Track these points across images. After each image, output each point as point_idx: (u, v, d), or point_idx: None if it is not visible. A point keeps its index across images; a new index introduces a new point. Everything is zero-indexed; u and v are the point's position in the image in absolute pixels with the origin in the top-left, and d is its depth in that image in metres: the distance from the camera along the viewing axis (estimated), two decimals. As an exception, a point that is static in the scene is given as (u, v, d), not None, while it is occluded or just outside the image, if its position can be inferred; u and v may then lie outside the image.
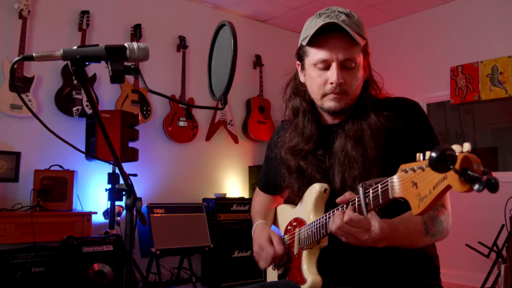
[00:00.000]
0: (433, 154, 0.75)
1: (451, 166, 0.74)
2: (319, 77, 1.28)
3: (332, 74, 1.24)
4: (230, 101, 4.90)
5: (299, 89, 1.41)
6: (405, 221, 1.11)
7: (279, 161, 1.43)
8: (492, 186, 0.70)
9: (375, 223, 1.06)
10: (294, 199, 1.43)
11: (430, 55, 4.80)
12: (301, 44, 1.32)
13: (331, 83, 1.25)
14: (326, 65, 1.26)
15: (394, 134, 1.25)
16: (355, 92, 1.29)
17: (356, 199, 1.08)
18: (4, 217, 3.12)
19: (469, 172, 0.72)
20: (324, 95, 1.29)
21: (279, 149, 1.44)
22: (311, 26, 1.27)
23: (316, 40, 1.26)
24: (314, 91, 1.32)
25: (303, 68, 1.36)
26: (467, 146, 0.75)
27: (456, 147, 0.76)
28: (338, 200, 1.13)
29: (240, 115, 5.00)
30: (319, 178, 1.32)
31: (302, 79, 1.38)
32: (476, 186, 0.72)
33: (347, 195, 1.12)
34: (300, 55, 1.35)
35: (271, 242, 1.39)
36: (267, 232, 1.43)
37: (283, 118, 1.50)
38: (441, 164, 0.75)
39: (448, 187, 0.79)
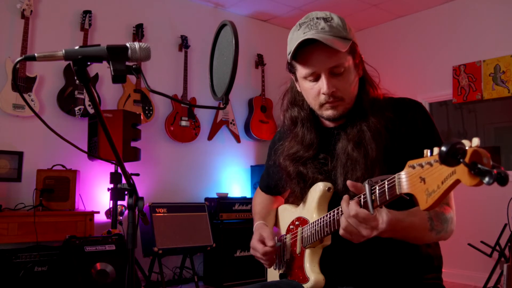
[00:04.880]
0: (443, 148, 0.75)
1: (461, 160, 0.74)
2: (312, 89, 1.28)
3: (322, 84, 1.24)
4: (232, 100, 4.90)
5: (297, 99, 1.41)
6: (411, 214, 1.11)
7: (279, 167, 1.44)
8: (502, 180, 0.71)
9: (384, 217, 1.05)
10: (297, 203, 1.43)
11: (432, 54, 4.79)
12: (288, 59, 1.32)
13: (324, 94, 1.25)
14: (316, 77, 1.26)
15: (397, 135, 1.25)
16: (351, 95, 1.28)
17: (362, 196, 1.07)
18: (7, 216, 3.13)
19: (479, 166, 0.73)
20: (321, 105, 1.29)
21: (278, 156, 1.44)
22: (292, 41, 1.26)
23: (300, 54, 1.25)
24: (311, 102, 1.33)
25: (297, 80, 1.36)
26: (476, 141, 0.75)
27: (465, 142, 0.76)
28: (349, 182, 1.11)
29: (242, 115, 5.00)
30: (321, 179, 1.32)
31: (298, 88, 1.38)
32: (486, 179, 0.72)
33: (359, 185, 1.10)
34: (290, 69, 1.35)
35: (262, 241, 1.42)
36: (259, 233, 1.45)
37: (281, 128, 1.50)
38: (451, 157, 0.75)
39: (457, 182, 0.79)
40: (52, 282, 3.07)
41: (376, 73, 1.35)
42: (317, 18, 1.24)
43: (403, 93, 1.35)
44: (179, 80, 4.48)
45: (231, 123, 4.82)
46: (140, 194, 1.16)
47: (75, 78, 3.94)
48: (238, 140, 4.89)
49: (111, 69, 0.91)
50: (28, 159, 3.53)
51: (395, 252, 1.20)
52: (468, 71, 4.43)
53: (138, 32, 4.19)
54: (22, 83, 3.54)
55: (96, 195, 3.91)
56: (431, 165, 0.85)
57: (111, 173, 3.51)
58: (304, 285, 1.29)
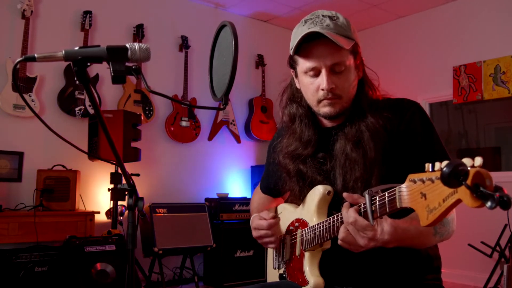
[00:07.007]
0: (445, 169, 0.74)
1: (463, 182, 0.73)
2: (311, 84, 1.28)
3: (322, 80, 1.25)
4: (233, 101, 4.90)
5: (295, 96, 1.41)
6: (415, 221, 1.11)
7: (278, 166, 1.44)
8: (505, 204, 0.69)
9: (385, 227, 1.05)
10: (296, 202, 1.43)
11: (432, 55, 4.78)
12: (290, 53, 1.33)
13: (322, 90, 1.26)
14: (316, 72, 1.26)
15: (395, 136, 1.25)
16: (349, 94, 1.29)
17: (362, 206, 1.07)
18: (7, 216, 3.13)
19: (482, 189, 0.71)
20: (319, 101, 1.29)
21: (277, 154, 1.44)
22: (296, 35, 1.27)
23: (303, 48, 1.26)
24: (309, 98, 1.33)
25: (296, 76, 1.37)
26: (478, 161, 0.74)
27: (467, 161, 0.75)
28: (345, 194, 1.12)
29: (242, 115, 5.00)
30: (320, 180, 1.32)
31: (297, 85, 1.39)
32: (489, 204, 0.70)
33: (356, 196, 1.12)
34: (292, 64, 1.36)
35: (262, 218, 1.43)
36: (258, 215, 1.47)
37: (280, 125, 1.50)
38: (453, 179, 0.74)
39: (458, 201, 0.78)
40: (52, 282, 3.07)
41: (375, 76, 1.36)
42: (323, 16, 1.25)
43: (403, 94, 1.35)
44: (179, 80, 4.48)
45: (231, 123, 4.82)
46: (140, 194, 1.16)
47: (75, 78, 3.96)
48: (238, 140, 4.89)
49: (111, 70, 0.91)
50: (28, 159, 3.53)
51: (395, 253, 1.20)
52: (469, 72, 4.42)
53: (139, 33, 4.19)
54: (23, 83, 3.54)
55: (97, 195, 3.91)
56: (432, 181, 0.84)
57: (111, 173, 3.51)
58: None
